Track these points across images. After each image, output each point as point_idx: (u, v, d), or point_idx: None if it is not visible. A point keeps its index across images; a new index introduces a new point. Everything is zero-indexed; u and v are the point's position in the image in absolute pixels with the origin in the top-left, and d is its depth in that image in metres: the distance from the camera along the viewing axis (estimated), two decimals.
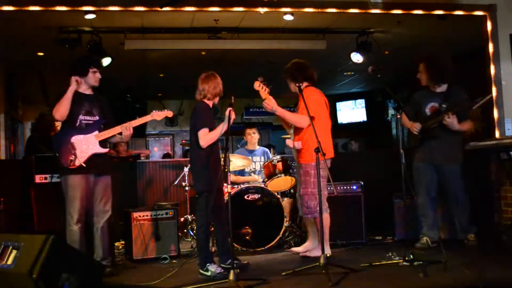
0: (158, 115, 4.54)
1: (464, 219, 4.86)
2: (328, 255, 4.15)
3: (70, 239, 4.16)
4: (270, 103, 4.63)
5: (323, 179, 4.57)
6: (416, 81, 5.14)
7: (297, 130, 4.79)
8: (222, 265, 4.20)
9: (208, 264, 4.14)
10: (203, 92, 4.37)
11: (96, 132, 4.31)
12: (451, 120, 4.71)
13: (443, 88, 4.97)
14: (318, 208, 4.63)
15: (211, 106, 4.38)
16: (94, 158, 4.27)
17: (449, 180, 4.87)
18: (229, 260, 4.14)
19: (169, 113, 4.63)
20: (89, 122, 4.33)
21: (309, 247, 4.91)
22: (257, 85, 4.61)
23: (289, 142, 4.89)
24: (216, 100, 4.42)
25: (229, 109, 4.08)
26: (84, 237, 4.24)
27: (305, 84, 4.79)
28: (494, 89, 5.84)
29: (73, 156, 4.19)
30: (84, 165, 4.19)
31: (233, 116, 4.09)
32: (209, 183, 4.13)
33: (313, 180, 4.65)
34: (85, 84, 4.37)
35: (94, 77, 4.36)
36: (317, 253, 4.55)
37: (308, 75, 4.84)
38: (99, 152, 4.30)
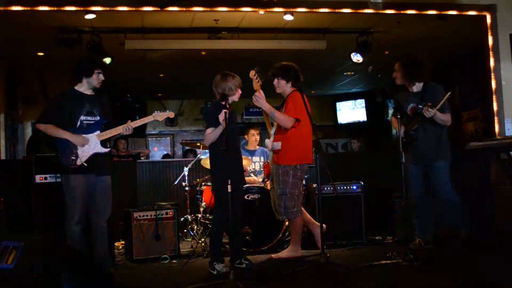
0: (159, 115, 4.54)
1: (453, 217, 4.74)
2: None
3: (70, 239, 4.16)
4: (260, 96, 4.58)
5: (301, 183, 4.68)
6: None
7: (279, 131, 4.78)
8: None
9: (215, 263, 4.20)
10: (214, 94, 4.44)
11: (98, 132, 4.31)
12: (432, 112, 4.55)
13: (418, 87, 4.91)
14: (295, 209, 4.67)
15: (227, 104, 4.34)
16: (95, 158, 4.27)
17: (434, 177, 4.79)
18: (238, 260, 4.18)
19: (171, 114, 4.64)
20: (90, 122, 4.33)
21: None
22: (252, 74, 4.64)
23: (267, 142, 4.88)
24: (233, 98, 4.38)
25: (223, 111, 4.08)
26: (84, 237, 4.24)
27: (293, 88, 4.81)
28: (493, 89, 5.85)
29: (75, 156, 4.19)
30: (85, 164, 4.20)
31: (221, 117, 4.09)
32: (217, 182, 4.17)
33: (291, 181, 4.67)
34: (87, 84, 4.36)
35: (97, 78, 4.36)
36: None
37: (299, 80, 4.83)
38: (101, 151, 4.30)
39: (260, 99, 4.58)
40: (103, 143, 4.33)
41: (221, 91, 4.34)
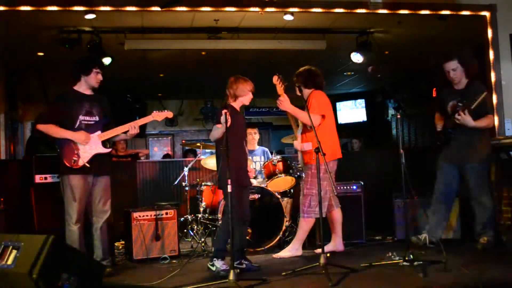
0: (158, 115, 4.57)
1: (482, 220, 4.77)
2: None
3: (70, 239, 4.16)
4: (284, 100, 4.66)
5: (327, 180, 4.64)
6: (441, 80, 4.96)
7: (305, 131, 4.84)
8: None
9: (215, 259, 4.19)
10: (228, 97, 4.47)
11: (99, 132, 4.32)
12: (463, 118, 4.56)
13: (462, 84, 4.83)
14: (316, 209, 4.66)
15: (237, 108, 4.45)
16: (95, 158, 4.27)
17: (469, 178, 4.77)
18: (238, 260, 4.17)
19: (170, 114, 4.66)
20: (89, 122, 4.33)
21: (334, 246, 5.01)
22: (276, 79, 4.62)
23: (296, 144, 4.92)
24: (243, 100, 4.46)
25: (223, 111, 4.08)
26: (83, 237, 4.25)
27: (312, 89, 4.88)
28: (493, 89, 5.84)
29: (77, 156, 4.19)
30: (87, 165, 4.20)
31: (222, 119, 4.09)
32: (223, 180, 4.17)
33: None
34: (85, 84, 4.37)
35: (95, 78, 4.36)
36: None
37: (318, 82, 4.92)
38: (102, 152, 4.31)
39: (284, 102, 4.66)
40: (104, 143, 4.34)
41: (232, 92, 4.38)
